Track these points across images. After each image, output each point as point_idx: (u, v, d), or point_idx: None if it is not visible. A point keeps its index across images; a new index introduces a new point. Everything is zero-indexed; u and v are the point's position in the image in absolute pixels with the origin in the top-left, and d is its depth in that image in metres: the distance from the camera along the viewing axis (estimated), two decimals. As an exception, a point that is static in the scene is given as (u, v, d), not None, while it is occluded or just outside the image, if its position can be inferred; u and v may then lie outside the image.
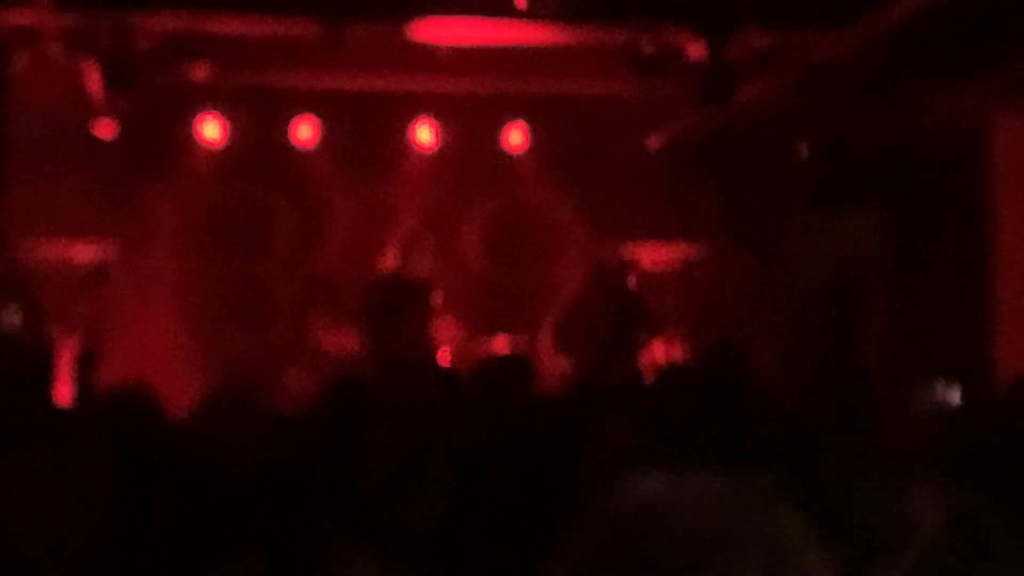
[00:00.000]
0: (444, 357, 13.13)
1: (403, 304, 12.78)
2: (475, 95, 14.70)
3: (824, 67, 12.07)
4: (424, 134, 15.37)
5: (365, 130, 15.09)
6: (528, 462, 5.02)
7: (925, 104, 12.01)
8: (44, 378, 10.52)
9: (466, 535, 4.42)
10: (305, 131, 15.23)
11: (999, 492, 3.05)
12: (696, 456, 4.90)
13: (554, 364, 13.27)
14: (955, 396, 6.73)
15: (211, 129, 15.08)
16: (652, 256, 15.15)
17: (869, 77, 11.92)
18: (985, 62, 11.21)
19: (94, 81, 12.57)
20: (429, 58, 13.02)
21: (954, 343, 11.76)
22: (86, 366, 11.19)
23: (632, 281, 13.54)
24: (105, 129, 13.90)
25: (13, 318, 10.67)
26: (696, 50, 12.18)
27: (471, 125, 15.23)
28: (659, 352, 13.47)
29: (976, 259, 12.01)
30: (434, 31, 12.24)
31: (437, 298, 13.09)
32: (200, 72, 12.90)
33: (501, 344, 14.02)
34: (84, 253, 14.04)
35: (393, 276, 12.96)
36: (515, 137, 15.59)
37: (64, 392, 10.82)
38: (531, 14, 11.92)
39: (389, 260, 13.08)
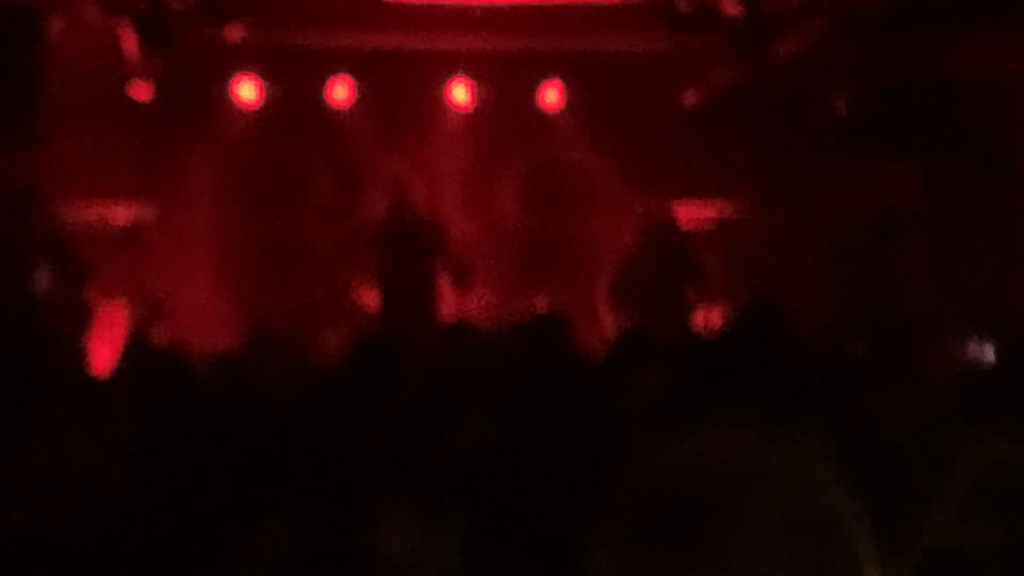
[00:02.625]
0: (480, 315, 13.14)
1: (419, 259, 12.79)
2: (511, 53, 14.64)
3: (859, 18, 11.99)
4: (460, 93, 15.32)
5: (401, 90, 15.05)
6: (566, 420, 5.02)
7: (961, 54, 11.93)
8: (79, 339, 10.57)
9: (502, 493, 4.42)
10: (341, 91, 15.20)
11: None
12: (735, 412, 4.89)
13: (605, 321, 13.29)
14: (990, 352, 6.69)
15: (247, 90, 15.06)
16: (690, 213, 15.09)
17: (904, 28, 11.84)
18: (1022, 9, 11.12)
19: (130, 43, 12.59)
20: (465, 17, 13.00)
21: (991, 296, 11.70)
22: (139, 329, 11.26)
23: (680, 237, 13.57)
24: (141, 91, 13.93)
25: (48, 280, 10.72)
26: (732, 5, 12.12)
27: (507, 83, 15.18)
28: (700, 310, 13.47)
29: (1014, 209, 11.94)
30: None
31: (455, 253, 13.06)
32: (235, 33, 12.90)
33: (539, 302, 14.02)
34: (121, 214, 14.09)
35: (407, 231, 12.96)
36: (551, 95, 15.53)
37: (101, 353, 10.87)
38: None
39: (403, 215, 13.09)
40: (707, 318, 13.45)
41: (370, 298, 13.78)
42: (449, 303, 13.17)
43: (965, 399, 4.42)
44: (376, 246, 13.30)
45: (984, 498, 2.76)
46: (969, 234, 12.36)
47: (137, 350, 8.95)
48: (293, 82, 15.05)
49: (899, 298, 12.70)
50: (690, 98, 15.17)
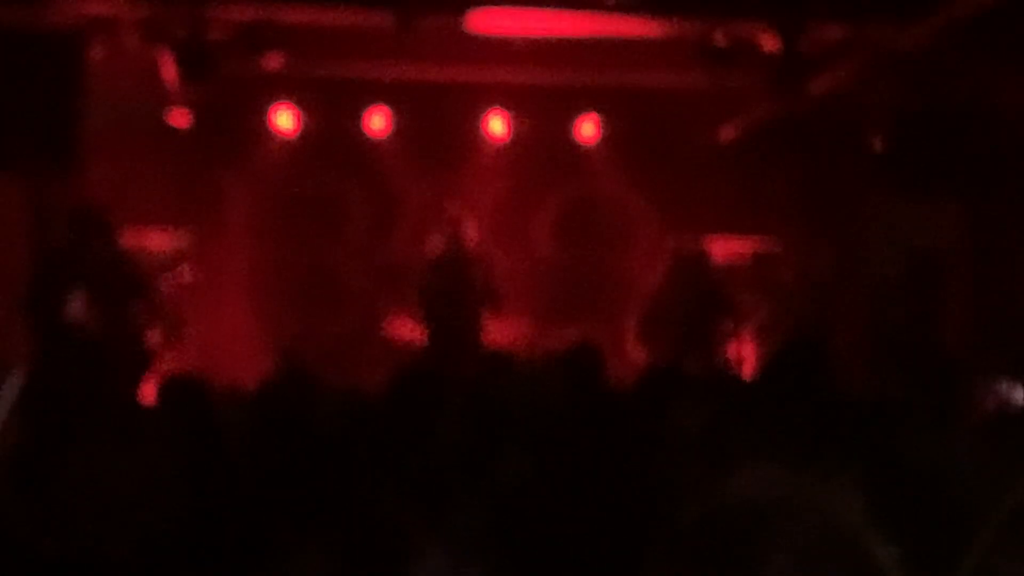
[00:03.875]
0: (513, 347, 13.12)
1: (453, 290, 12.76)
2: (547, 86, 14.67)
3: (899, 57, 11.98)
4: (496, 125, 15.37)
5: (437, 121, 15.10)
6: (599, 453, 5.01)
7: (1002, 90, 11.89)
8: (114, 366, 10.59)
9: (533, 526, 4.41)
10: (378, 121, 15.26)
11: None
12: (772, 450, 4.88)
13: (636, 355, 13.28)
14: (1019, 395, 6.64)
15: (285, 119, 15.14)
16: (725, 249, 15.08)
17: (945, 66, 11.82)
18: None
19: (169, 71, 12.66)
20: (502, 49, 13.03)
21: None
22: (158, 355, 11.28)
23: (714, 272, 13.55)
24: (180, 118, 14.01)
25: (84, 306, 10.76)
26: (769, 41, 12.13)
27: (543, 116, 15.21)
28: (735, 345, 13.45)
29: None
30: (506, 22, 12.24)
31: (489, 286, 13.01)
32: (274, 62, 12.95)
33: (571, 335, 14.01)
34: (158, 241, 14.15)
35: (441, 262, 12.92)
36: (587, 129, 15.57)
37: (136, 381, 10.90)
38: (605, 6, 11.93)
39: (438, 246, 13.06)
40: (740, 354, 13.43)
41: (406, 328, 13.79)
42: (483, 335, 13.16)
43: (1003, 439, 4.40)
44: (418, 276, 13.29)
45: (1020, 540, 2.75)
46: (1009, 273, 12.29)
47: (171, 379, 8.97)
48: (330, 112, 15.12)
49: (936, 337, 12.65)
50: (726, 133, 15.18)
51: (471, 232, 13.19)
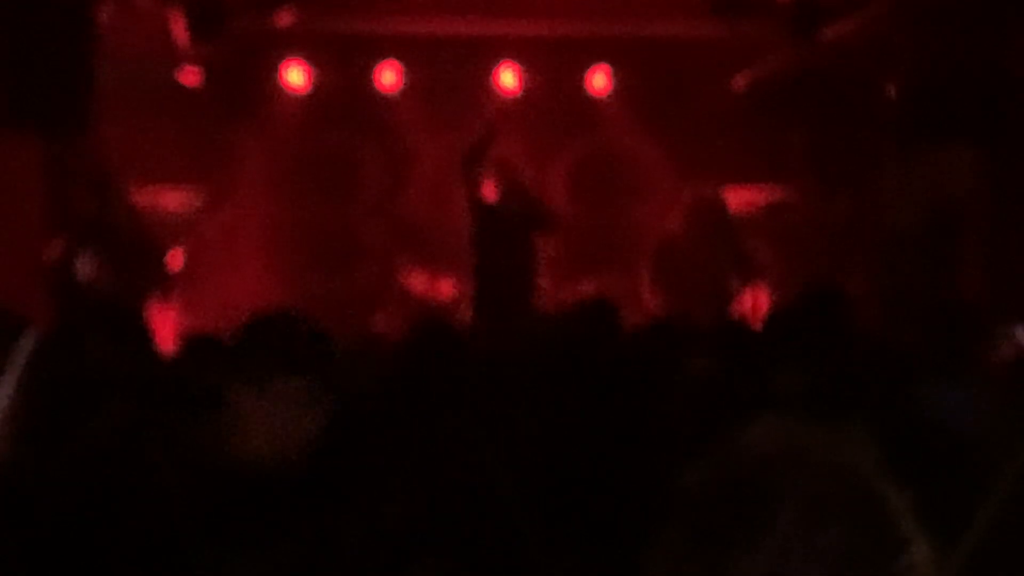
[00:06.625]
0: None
1: (507, 239, 12.48)
2: (559, 38, 14.62)
3: (914, 3, 11.91)
4: (508, 78, 15.31)
5: (449, 75, 15.07)
6: (616, 405, 5.01)
7: (1020, 40, 11.82)
8: (126, 327, 10.60)
9: (552, 480, 4.41)
10: (389, 76, 15.22)
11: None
12: (790, 400, 4.87)
13: (650, 305, 13.26)
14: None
15: (296, 75, 15.11)
16: (740, 198, 15.04)
17: (961, 12, 11.75)
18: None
19: (180, 29, 12.63)
20: (513, 1, 12.99)
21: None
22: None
23: (731, 221, 13.51)
24: (191, 76, 13.99)
25: (96, 266, 10.77)
26: (782, -11, 12.09)
27: (555, 69, 15.16)
28: (750, 295, 13.43)
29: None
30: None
31: (539, 236, 12.72)
32: (285, 19, 12.93)
33: (586, 288, 14.00)
34: (171, 201, 14.15)
35: (496, 210, 12.62)
36: (599, 80, 15.50)
37: (148, 340, 10.91)
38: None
39: (451, 200, 12.94)
40: (756, 305, 13.41)
41: (421, 283, 13.77)
42: (520, 286, 12.99)
43: (1020, 389, 4.40)
44: (432, 230, 13.19)
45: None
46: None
47: (187, 338, 8.99)
48: (342, 67, 15.09)
49: (953, 286, 12.62)
50: (740, 83, 15.11)
51: (485, 185, 13.14)
